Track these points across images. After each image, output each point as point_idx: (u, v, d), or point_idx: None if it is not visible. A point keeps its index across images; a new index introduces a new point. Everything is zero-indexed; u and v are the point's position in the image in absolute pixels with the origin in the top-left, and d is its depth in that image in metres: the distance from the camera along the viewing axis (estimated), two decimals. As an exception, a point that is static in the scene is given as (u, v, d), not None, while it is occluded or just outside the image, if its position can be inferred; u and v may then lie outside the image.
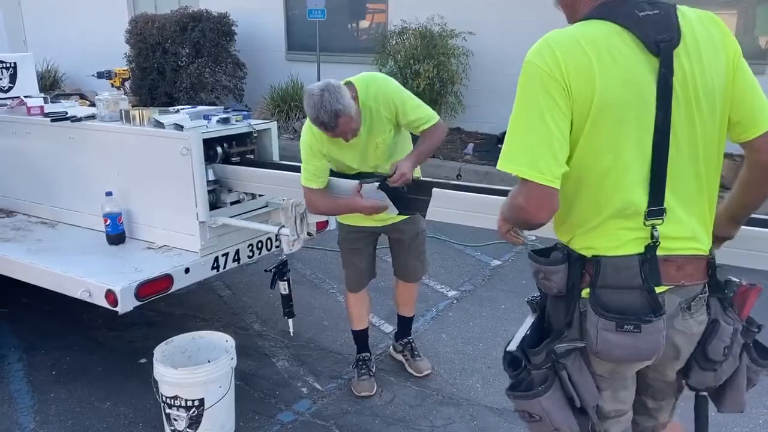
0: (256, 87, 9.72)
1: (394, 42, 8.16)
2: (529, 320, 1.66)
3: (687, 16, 1.47)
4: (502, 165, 1.47)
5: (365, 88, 2.70)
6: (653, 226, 1.48)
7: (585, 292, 1.52)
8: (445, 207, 2.63)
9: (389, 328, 3.74)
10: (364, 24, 9.65)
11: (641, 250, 1.48)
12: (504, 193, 2.57)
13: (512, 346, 1.62)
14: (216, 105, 7.32)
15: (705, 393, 1.72)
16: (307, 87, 2.58)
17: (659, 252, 1.49)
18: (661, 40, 1.41)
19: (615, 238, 1.50)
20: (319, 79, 8.67)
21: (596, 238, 1.52)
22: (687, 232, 1.53)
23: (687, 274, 1.51)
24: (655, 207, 1.47)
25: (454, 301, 4.12)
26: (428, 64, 7.62)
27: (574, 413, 1.57)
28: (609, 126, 1.43)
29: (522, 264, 4.69)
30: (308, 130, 2.74)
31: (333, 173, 2.85)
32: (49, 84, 11.17)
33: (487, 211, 2.53)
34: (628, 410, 1.68)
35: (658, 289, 1.48)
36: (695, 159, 1.50)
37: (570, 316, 1.54)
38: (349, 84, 2.69)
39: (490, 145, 7.70)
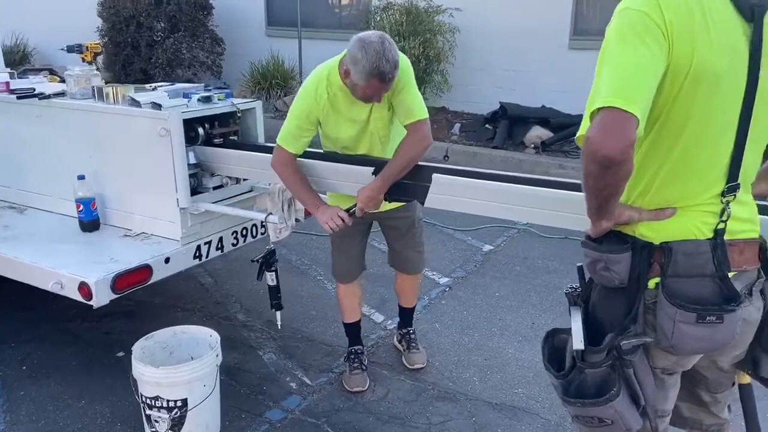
0: (234, 64, 9.40)
1: (378, 18, 7.91)
2: (577, 314, 1.51)
3: None
4: (583, 125, 1.28)
5: None
6: (727, 203, 1.41)
7: (652, 283, 1.41)
8: (447, 194, 2.47)
9: (380, 318, 3.60)
10: (347, -1, 9.36)
11: (711, 234, 1.41)
12: (512, 179, 2.41)
13: (578, 344, 1.46)
14: (193, 82, 7.05)
15: (749, 381, 1.69)
16: (357, 35, 2.41)
17: (725, 236, 1.41)
18: (756, 5, 1.35)
19: (688, 220, 1.40)
20: (300, 57, 8.61)
21: (668, 220, 1.41)
22: (749, 212, 1.47)
23: (747, 259, 1.45)
24: (733, 183, 1.41)
25: (447, 289, 3.97)
26: (414, 42, 7.38)
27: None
28: (703, 93, 1.33)
29: (515, 249, 4.56)
30: (311, 93, 2.56)
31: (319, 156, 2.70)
32: (19, 59, 10.71)
33: (492, 198, 2.38)
34: (671, 409, 1.62)
35: None
36: (762, 131, 1.43)
37: (635, 309, 1.42)
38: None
39: (477, 125, 7.53)
